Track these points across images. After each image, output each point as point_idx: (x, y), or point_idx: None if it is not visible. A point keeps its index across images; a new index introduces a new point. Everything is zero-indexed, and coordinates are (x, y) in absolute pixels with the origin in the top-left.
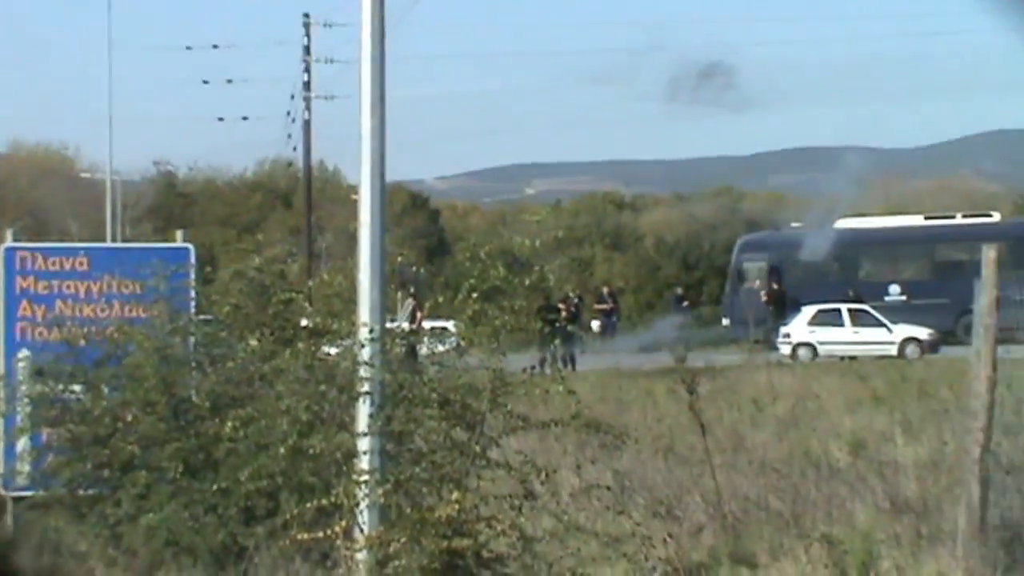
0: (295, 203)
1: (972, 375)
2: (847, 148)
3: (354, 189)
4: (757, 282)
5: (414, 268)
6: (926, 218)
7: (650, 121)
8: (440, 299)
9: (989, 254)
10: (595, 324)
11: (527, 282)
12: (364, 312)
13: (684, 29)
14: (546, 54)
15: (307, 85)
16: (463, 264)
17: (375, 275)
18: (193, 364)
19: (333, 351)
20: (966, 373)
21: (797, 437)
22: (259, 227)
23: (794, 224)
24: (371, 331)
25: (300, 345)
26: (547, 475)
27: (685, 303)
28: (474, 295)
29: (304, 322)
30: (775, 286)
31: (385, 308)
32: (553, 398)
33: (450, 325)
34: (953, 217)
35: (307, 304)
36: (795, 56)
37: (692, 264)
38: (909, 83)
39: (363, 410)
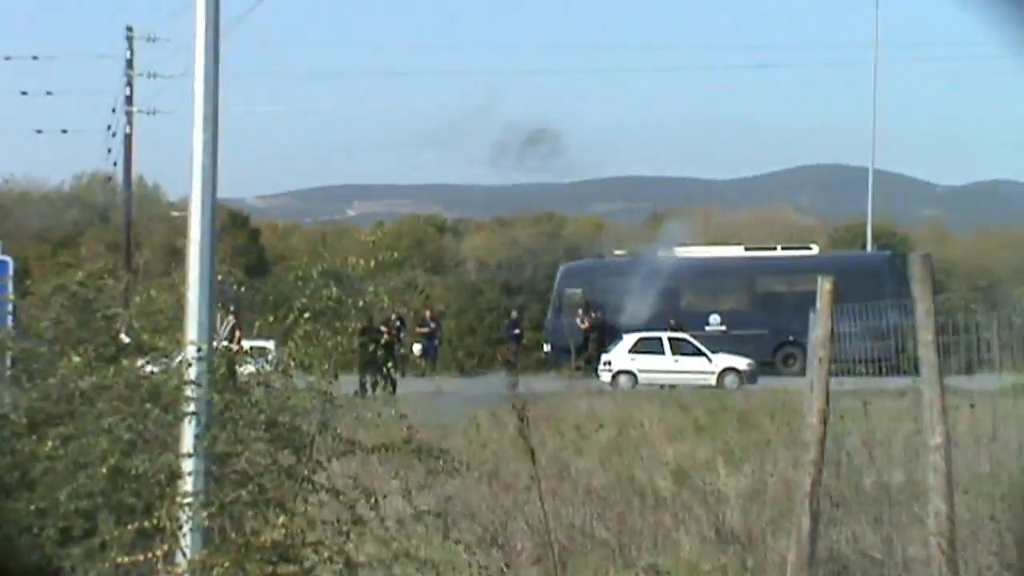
0: (113, 218)
1: (805, 407)
2: (667, 178)
3: (174, 206)
4: (579, 309)
5: (235, 286)
6: (746, 249)
7: (476, 178)
8: (271, 318)
9: (825, 286)
10: (416, 347)
11: (360, 303)
12: (192, 330)
13: (510, 96)
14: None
15: (129, 99)
16: (291, 283)
17: (204, 293)
18: (10, 380)
19: (153, 369)
20: (785, 403)
21: (621, 465)
22: (75, 241)
23: (616, 252)
24: (199, 350)
25: (124, 362)
26: (375, 500)
27: (517, 330)
28: (306, 315)
29: (125, 339)
30: (595, 313)
31: (212, 326)
32: (380, 422)
33: (269, 344)
34: (773, 249)
35: (130, 321)
36: (622, 122)
37: (514, 289)
38: (726, 116)
39: (188, 430)
